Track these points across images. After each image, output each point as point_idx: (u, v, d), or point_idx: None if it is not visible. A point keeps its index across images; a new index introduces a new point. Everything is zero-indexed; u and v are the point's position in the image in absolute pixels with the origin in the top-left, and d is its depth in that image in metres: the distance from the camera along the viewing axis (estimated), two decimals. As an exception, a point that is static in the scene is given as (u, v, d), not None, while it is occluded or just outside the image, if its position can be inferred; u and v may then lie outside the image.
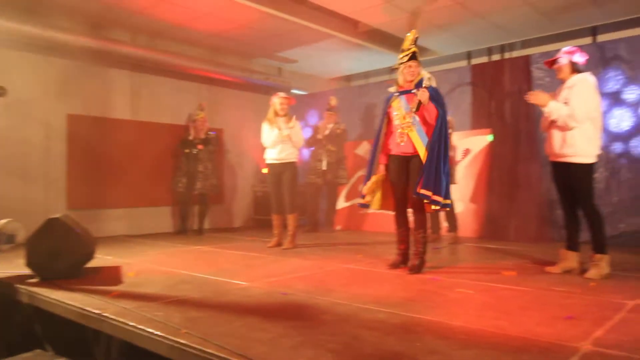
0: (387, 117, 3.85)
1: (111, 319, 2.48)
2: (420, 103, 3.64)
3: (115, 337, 2.50)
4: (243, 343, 2.07)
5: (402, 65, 3.76)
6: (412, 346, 2.00)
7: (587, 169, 3.45)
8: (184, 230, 6.71)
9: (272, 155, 5.20)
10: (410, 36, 3.81)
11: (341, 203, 7.44)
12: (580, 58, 3.58)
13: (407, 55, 3.74)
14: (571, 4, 5.74)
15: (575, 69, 3.56)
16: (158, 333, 2.23)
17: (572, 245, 3.63)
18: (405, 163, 3.70)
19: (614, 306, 2.59)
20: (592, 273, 3.39)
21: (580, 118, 3.36)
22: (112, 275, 3.68)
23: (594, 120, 3.44)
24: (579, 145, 3.41)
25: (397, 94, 3.82)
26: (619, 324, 2.28)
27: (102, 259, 4.25)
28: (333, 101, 6.97)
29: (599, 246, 3.43)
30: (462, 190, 5.94)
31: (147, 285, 3.30)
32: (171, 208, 7.17)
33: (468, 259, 4.52)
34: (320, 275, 3.63)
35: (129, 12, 6.07)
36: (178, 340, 2.13)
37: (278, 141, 5.08)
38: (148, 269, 3.95)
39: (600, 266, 3.39)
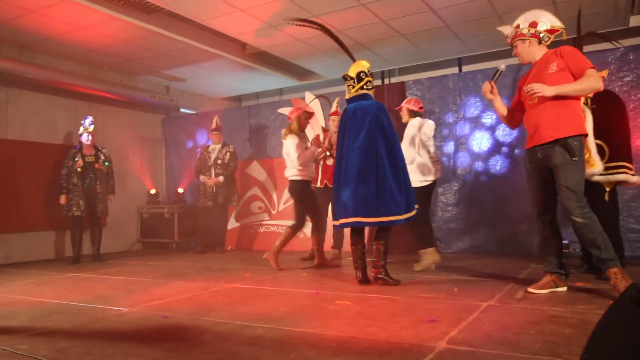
0: None
1: (-36, 356, 2.26)
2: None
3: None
4: (115, 369, 2.01)
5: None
6: (287, 357, 2.09)
7: (425, 189, 4.51)
8: (78, 257, 6.07)
9: (293, 172, 4.95)
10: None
11: (232, 223, 7.42)
12: (413, 106, 4.65)
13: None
14: (438, 37, 6.37)
15: (412, 114, 4.63)
16: (19, 367, 2.08)
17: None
18: None
19: (470, 308, 2.91)
20: (418, 265, 4.46)
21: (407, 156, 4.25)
22: (-31, 309, 3.33)
23: (422, 152, 4.50)
24: (413, 175, 4.29)
25: None
26: (472, 323, 2.57)
27: (-43, 292, 3.82)
28: (217, 121, 6.95)
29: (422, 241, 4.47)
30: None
31: (10, 317, 3.04)
32: (48, 233, 6.65)
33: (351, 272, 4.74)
34: (204, 296, 3.61)
35: (-5, 22, 5.62)
36: (43, 372, 2.01)
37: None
38: (13, 300, 3.64)
39: (424, 259, 4.45)
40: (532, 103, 3.23)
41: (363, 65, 3.98)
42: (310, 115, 5.00)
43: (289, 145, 4.83)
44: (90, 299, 3.60)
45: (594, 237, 3.06)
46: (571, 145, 3.09)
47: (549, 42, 3.31)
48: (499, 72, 3.46)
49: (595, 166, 3.71)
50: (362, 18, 5.72)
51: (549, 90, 3.08)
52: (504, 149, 5.65)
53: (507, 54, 6.73)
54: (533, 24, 3.29)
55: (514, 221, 5.50)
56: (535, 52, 3.32)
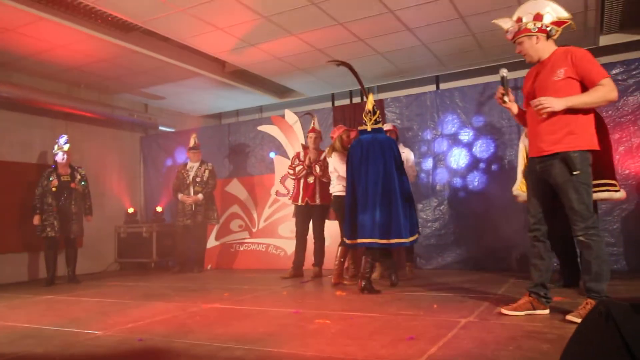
0: None
1: None
2: None
3: None
4: (86, 396, 1.95)
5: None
6: (264, 380, 2.06)
7: None
8: (52, 279, 5.89)
9: (339, 188, 5.09)
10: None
11: (212, 242, 7.34)
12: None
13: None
14: (415, 55, 6.48)
15: None
16: (-14, 396, 2.00)
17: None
18: None
19: (449, 324, 2.91)
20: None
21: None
22: None
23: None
24: None
25: None
26: (451, 340, 2.57)
27: None
28: (195, 139, 6.91)
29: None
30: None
31: (-21, 343, 2.94)
32: (21, 255, 6.50)
33: (331, 290, 4.72)
34: (182, 317, 3.54)
35: (-32, 41, 5.53)
36: (10, 401, 1.94)
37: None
38: (-17, 325, 3.51)
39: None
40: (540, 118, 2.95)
41: (372, 100, 4.48)
42: (351, 133, 5.20)
43: (335, 162, 5.03)
44: (63, 322, 3.50)
45: (590, 261, 2.87)
46: (572, 159, 2.84)
47: (556, 36, 3.00)
48: (505, 79, 3.17)
49: None
50: (340, 37, 5.79)
51: (558, 105, 2.83)
52: (482, 165, 5.73)
53: (483, 72, 6.95)
54: (538, 17, 2.97)
55: (493, 236, 5.55)
56: (543, 49, 3.00)
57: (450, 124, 5.91)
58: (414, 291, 4.28)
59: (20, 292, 5.35)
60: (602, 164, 3.67)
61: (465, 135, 5.84)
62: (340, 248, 4.98)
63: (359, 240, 4.28)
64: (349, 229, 4.40)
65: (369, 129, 4.40)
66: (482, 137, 5.74)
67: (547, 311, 3.08)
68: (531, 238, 3.13)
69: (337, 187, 5.09)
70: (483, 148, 5.72)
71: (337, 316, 3.33)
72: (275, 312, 3.62)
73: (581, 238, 2.89)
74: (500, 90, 3.20)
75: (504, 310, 3.12)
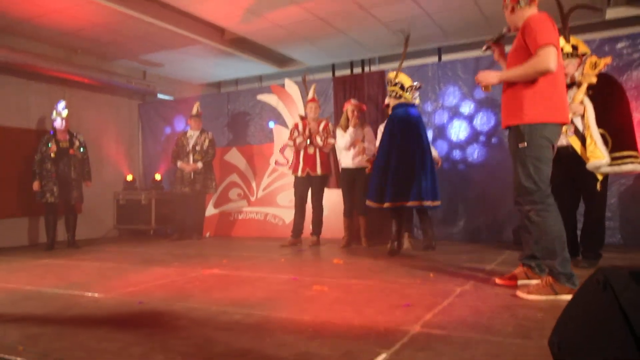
0: None
1: None
2: None
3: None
4: (88, 355, 1.99)
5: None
6: (262, 342, 2.09)
7: None
8: (52, 244, 5.95)
9: (346, 160, 5.45)
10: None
11: (210, 210, 7.37)
12: None
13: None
14: (418, 26, 6.37)
15: None
16: (-12, 353, 2.04)
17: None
18: None
19: (445, 293, 2.95)
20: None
21: None
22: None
23: None
24: None
25: None
26: (446, 308, 2.61)
27: None
28: (197, 108, 6.87)
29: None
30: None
31: (-19, 304, 2.98)
32: (21, 220, 6.53)
33: (329, 258, 4.76)
34: (181, 282, 3.58)
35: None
36: (14, 358, 1.97)
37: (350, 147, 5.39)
38: (-16, 287, 3.56)
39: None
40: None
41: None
42: (362, 107, 5.62)
43: (342, 135, 5.46)
44: (64, 285, 3.54)
45: (540, 237, 2.82)
46: (519, 131, 2.80)
47: (536, 1, 2.88)
48: (503, 35, 3.12)
49: (602, 158, 3.50)
50: (343, 5, 5.68)
51: (492, 79, 2.89)
52: (482, 138, 5.71)
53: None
54: None
55: (491, 209, 5.58)
56: (518, 18, 2.90)
57: (452, 96, 5.86)
58: (410, 261, 4.33)
59: (21, 255, 5.40)
60: (623, 135, 3.59)
61: (466, 108, 5.80)
62: (345, 218, 5.49)
63: (405, 203, 4.59)
64: (380, 192, 4.66)
65: (398, 102, 4.77)
66: (483, 110, 5.70)
67: (539, 281, 3.08)
68: (517, 210, 3.05)
69: (345, 161, 5.48)
70: (484, 121, 5.69)
71: (335, 283, 3.37)
72: (273, 278, 3.66)
73: (529, 213, 2.83)
74: (488, 41, 3.20)
75: (498, 280, 3.18)
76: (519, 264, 3.21)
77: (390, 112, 4.90)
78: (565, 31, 3.76)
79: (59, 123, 6.02)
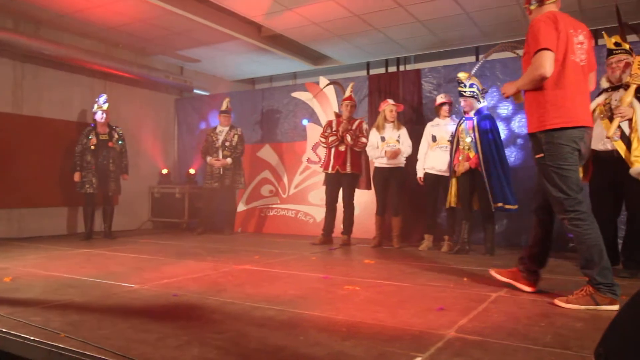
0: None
1: (-21, 326, 2.30)
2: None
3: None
4: (126, 344, 2.04)
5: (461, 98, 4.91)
6: (296, 340, 2.10)
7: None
8: (90, 234, 6.12)
9: (381, 160, 5.43)
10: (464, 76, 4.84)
11: (241, 206, 7.44)
12: None
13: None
14: (456, 25, 6.28)
15: None
16: (33, 338, 2.11)
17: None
18: None
19: (480, 298, 2.90)
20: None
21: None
22: (-17, 280, 3.39)
23: None
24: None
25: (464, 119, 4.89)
26: (481, 313, 2.56)
27: (-28, 263, 3.89)
28: (227, 104, 6.93)
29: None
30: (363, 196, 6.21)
31: (25, 290, 3.09)
32: (61, 209, 6.74)
33: (359, 258, 4.75)
34: (214, 276, 3.63)
35: (12, -3, 5.63)
36: (56, 344, 2.04)
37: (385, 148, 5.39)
38: (27, 273, 3.69)
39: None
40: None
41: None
42: (398, 107, 5.56)
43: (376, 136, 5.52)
44: (101, 274, 3.64)
45: (579, 247, 2.71)
46: (537, 140, 2.75)
47: (550, 1, 2.79)
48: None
49: None
50: (380, 2, 5.64)
51: (509, 90, 2.86)
52: (519, 141, 5.58)
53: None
54: None
55: (528, 212, 5.42)
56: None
57: (489, 97, 5.74)
58: (442, 264, 4.27)
59: (60, 244, 5.58)
60: None
61: (504, 109, 5.67)
62: (377, 217, 5.49)
63: (509, 206, 4.67)
64: (501, 194, 4.71)
65: (480, 106, 4.89)
66: (522, 113, 5.56)
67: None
68: (533, 216, 3.11)
69: (380, 160, 5.46)
70: (522, 124, 5.55)
71: (366, 284, 3.35)
72: (304, 276, 3.68)
73: (563, 222, 2.76)
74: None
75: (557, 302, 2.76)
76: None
77: (465, 112, 4.93)
78: (622, 29, 3.68)
79: (99, 116, 6.19)
